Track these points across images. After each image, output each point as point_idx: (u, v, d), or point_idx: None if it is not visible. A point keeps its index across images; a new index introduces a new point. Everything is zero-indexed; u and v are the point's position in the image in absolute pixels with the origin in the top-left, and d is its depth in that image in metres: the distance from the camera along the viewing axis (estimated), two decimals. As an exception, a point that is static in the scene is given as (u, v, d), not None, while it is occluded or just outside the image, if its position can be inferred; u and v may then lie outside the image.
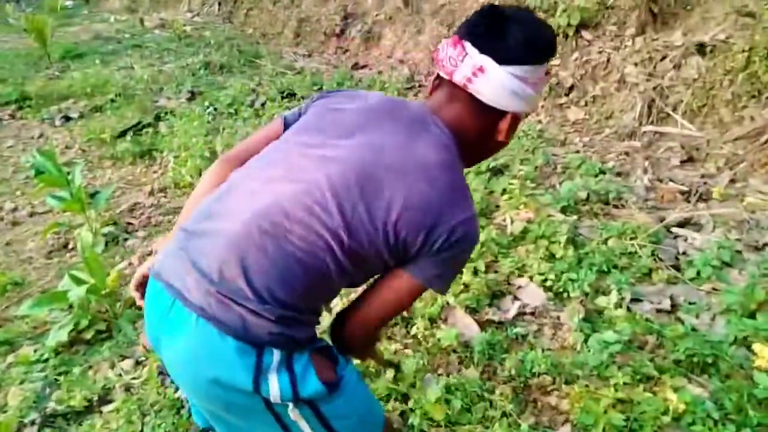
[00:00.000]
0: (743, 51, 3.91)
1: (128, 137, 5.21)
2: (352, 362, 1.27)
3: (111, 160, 4.98)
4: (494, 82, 1.09)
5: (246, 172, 1.15)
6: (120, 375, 2.38)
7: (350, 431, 1.16)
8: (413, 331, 2.46)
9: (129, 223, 3.81)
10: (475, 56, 1.08)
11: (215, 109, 5.80)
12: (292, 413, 1.07)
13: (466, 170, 3.76)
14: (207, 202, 1.13)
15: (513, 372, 2.20)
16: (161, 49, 9.69)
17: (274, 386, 1.02)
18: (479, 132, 1.17)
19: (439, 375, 2.21)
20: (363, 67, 7.70)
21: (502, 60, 1.08)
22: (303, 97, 6.05)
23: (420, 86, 6.49)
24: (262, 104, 5.95)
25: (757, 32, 3.87)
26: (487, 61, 1.08)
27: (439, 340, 2.37)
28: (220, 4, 13.36)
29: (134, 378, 2.35)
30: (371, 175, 1.04)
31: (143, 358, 2.49)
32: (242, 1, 12.40)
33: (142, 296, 1.22)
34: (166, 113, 5.80)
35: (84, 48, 10.18)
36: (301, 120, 1.22)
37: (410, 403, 2.03)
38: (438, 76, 1.20)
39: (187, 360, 1.04)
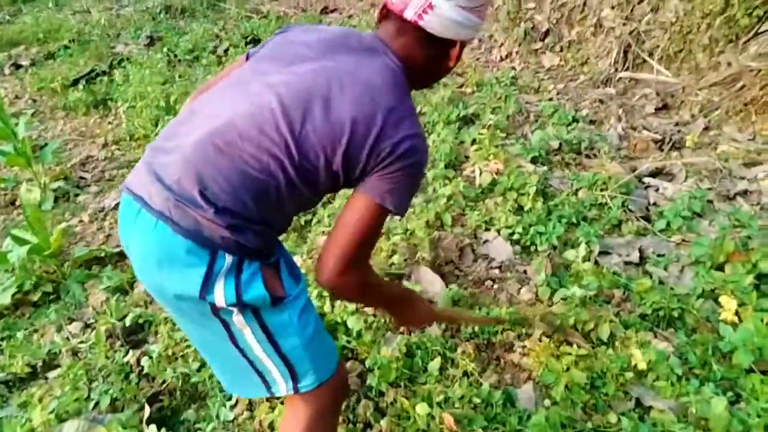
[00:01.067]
0: (723, -7, 3.75)
1: (81, 86, 4.93)
2: (306, 289, 1.28)
3: (63, 110, 4.72)
4: (443, 16, 1.13)
5: (207, 97, 1.21)
6: (67, 339, 2.26)
7: (297, 356, 1.19)
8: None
9: (81, 178, 3.62)
10: None
11: (174, 56, 5.50)
12: (236, 319, 1.12)
13: (435, 120, 3.59)
14: (172, 123, 1.21)
15: (476, 329, 2.14)
16: (120, -8, 9.14)
17: (219, 291, 1.07)
18: (429, 61, 1.23)
19: (401, 333, 2.13)
20: (333, 11, 7.36)
21: None
22: (268, 43, 5.76)
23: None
24: (225, 50, 5.66)
25: (738, -28, 3.71)
26: None
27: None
28: (183, -57, 12.61)
29: (82, 342, 2.23)
30: (320, 96, 1.09)
31: (92, 321, 2.37)
32: (207, -60, 11.71)
33: None
34: (122, 60, 5.50)
35: (37, -10, 9.56)
36: (260, 51, 1.28)
37: (367, 363, 1.96)
38: (385, 6, 1.22)
39: (149, 262, 1.10)
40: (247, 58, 1.30)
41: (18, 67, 5.82)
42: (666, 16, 4.10)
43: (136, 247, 1.13)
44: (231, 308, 1.09)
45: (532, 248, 2.59)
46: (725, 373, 1.84)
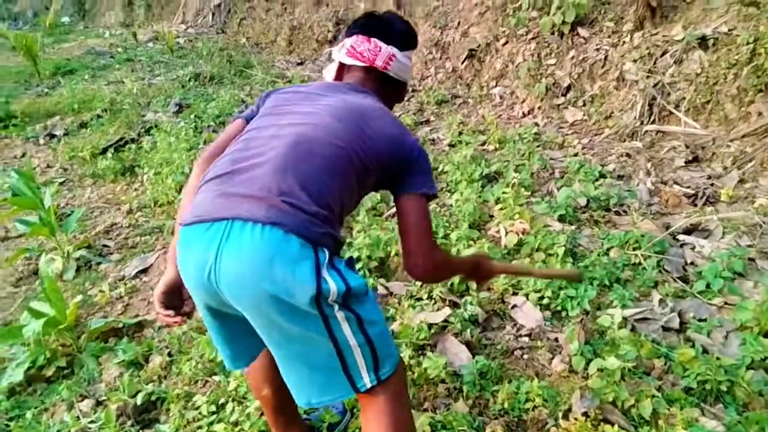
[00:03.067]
0: (747, 43, 3.68)
1: (110, 154, 5.04)
2: None
3: (92, 178, 4.82)
4: (401, 63, 1.61)
5: (252, 132, 1.38)
6: (77, 418, 2.18)
7: (380, 342, 1.28)
8: (397, 359, 2.25)
9: (104, 246, 3.63)
10: (386, 48, 1.58)
11: (201, 122, 5.62)
12: (339, 314, 1.20)
13: (458, 179, 3.55)
14: (226, 158, 1.33)
15: (506, 405, 1.99)
16: (153, 62, 9.58)
17: (331, 281, 1.16)
18: (390, 97, 1.66)
19: (423, 410, 1.99)
20: (355, 73, 7.52)
21: (401, 48, 1.60)
22: (292, 107, 5.87)
23: (413, 91, 6.29)
24: (251, 115, 5.77)
25: (762, 23, 3.65)
26: (395, 50, 1.59)
27: (425, 369, 2.16)
28: (213, 14, 13.27)
29: (92, 422, 2.14)
30: (361, 115, 1.38)
31: (104, 398, 2.29)
32: (235, 11, 12.30)
33: (172, 313, 1.41)
34: (150, 128, 5.64)
35: (75, 64, 10.08)
36: (263, 109, 1.49)
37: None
38: (341, 64, 1.62)
39: (254, 268, 1.14)
40: (247, 121, 1.52)
41: (52, 137, 6.02)
42: (690, 67, 4.04)
43: (236, 262, 1.15)
44: (334, 303, 1.18)
45: (563, 314, 2.45)
46: (786, 456, 1.65)
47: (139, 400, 2.16)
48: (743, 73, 3.72)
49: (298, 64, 8.56)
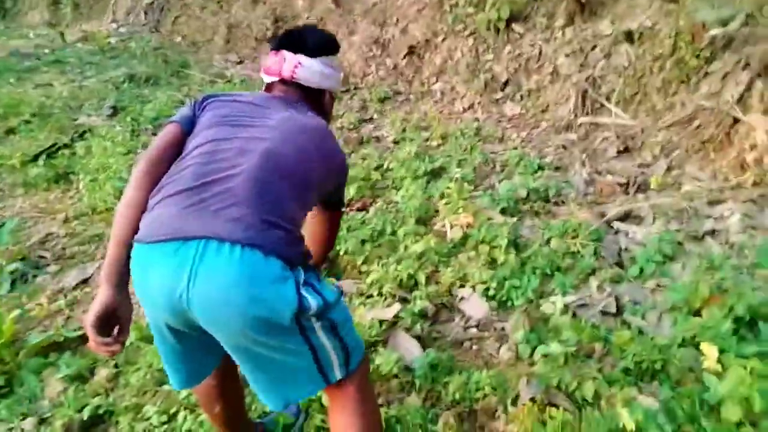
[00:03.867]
0: (669, 37, 3.89)
1: (41, 161, 4.81)
2: None
3: (23, 187, 4.58)
4: (309, 69, 1.60)
5: (213, 143, 1.35)
6: (20, 439, 2.09)
7: (349, 338, 1.37)
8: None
9: (41, 257, 3.47)
10: (292, 57, 1.59)
11: (138, 124, 5.45)
12: (315, 324, 1.26)
13: (402, 175, 3.57)
14: (187, 170, 1.29)
15: (457, 395, 2.05)
16: (83, 64, 9.14)
17: (310, 299, 1.22)
18: (318, 106, 1.66)
19: (380, 405, 2.02)
20: (296, 71, 7.46)
21: (311, 55, 1.60)
22: (233, 107, 5.77)
23: (355, 88, 6.30)
24: (190, 116, 5.63)
25: (681, 18, 3.86)
26: (302, 58, 1.59)
27: (378, 366, 2.19)
28: (146, 13, 12.80)
29: (35, 441, 2.07)
30: (306, 136, 1.44)
31: (48, 414, 2.20)
32: (169, 9, 11.92)
33: (108, 340, 1.28)
34: (84, 132, 5.41)
35: (-3, 66, 9.51)
36: (208, 116, 1.47)
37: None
38: (266, 83, 1.65)
39: (235, 290, 1.14)
40: (182, 124, 1.48)
41: (-24, 144, 5.68)
42: (618, 61, 4.23)
43: (212, 283, 1.14)
44: (312, 316, 1.23)
45: (509, 303, 2.54)
46: (715, 428, 1.77)
47: (85, 414, 2.09)
48: (667, 66, 3.93)
49: (238, 63, 8.40)
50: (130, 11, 13.19)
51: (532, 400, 1.95)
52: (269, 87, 1.64)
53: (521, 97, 4.86)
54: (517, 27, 5.09)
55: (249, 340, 1.22)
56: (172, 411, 2.07)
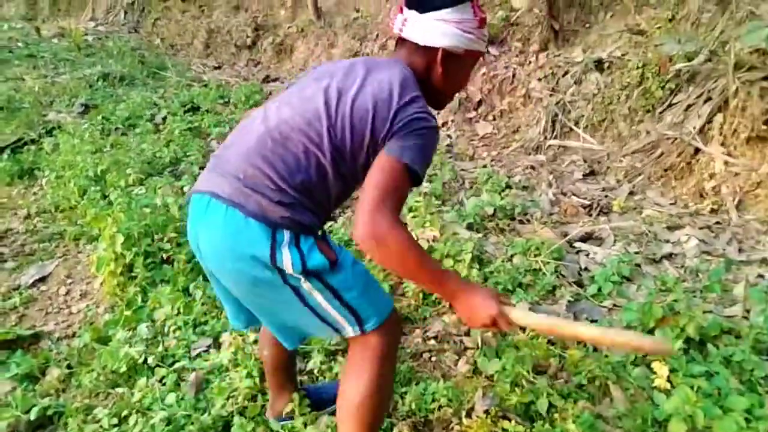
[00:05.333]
0: (637, 67, 4.03)
1: (6, 155, 4.72)
2: (345, 248, 1.48)
3: (-15, 181, 4.48)
4: (418, 26, 1.45)
5: (262, 110, 1.46)
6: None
7: (359, 303, 1.39)
8: (309, 366, 2.27)
9: (-1, 253, 3.39)
10: (405, 12, 1.48)
11: (109, 123, 5.38)
12: (305, 286, 1.33)
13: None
14: (230, 140, 1.46)
15: (413, 406, 2.05)
16: (57, 60, 9.02)
17: (287, 258, 1.28)
18: (424, 68, 1.49)
19: (332, 415, 2.02)
20: (275, 79, 7.47)
21: (422, 10, 1.44)
22: (207, 111, 5.75)
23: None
24: (163, 118, 5.60)
25: (649, 50, 4.00)
26: (411, 14, 1.46)
27: (336, 375, 2.19)
28: (126, 13, 12.71)
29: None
30: (347, 92, 1.36)
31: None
32: (150, 10, 11.85)
33: None
34: (53, 129, 5.33)
35: (-33, 58, 9.30)
36: (297, 81, 1.54)
37: (298, 451, 1.84)
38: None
39: (222, 244, 1.31)
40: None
41: (-60, 136, 5.53)
42: (588, 88, 4.35)
43: (208, 235, 1.34)
44: (298, 276, 1.30)
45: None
46: (661, 443, 1.82)
47: (32, 415, 2.04)
48: (634, 95, 4.06)
49: (216, 68, 8.39)
50: (109, 10, 13.07)
51: (486, 412, 1.96)
52: (396, 44, 1.57)
53: (494, 117, 4.95)
54: (492, 50, 5.20)
55: (247, 291, 1.38)
56: (124, 414, 2.03)
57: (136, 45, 9.80)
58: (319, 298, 1.36)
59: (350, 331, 1.43)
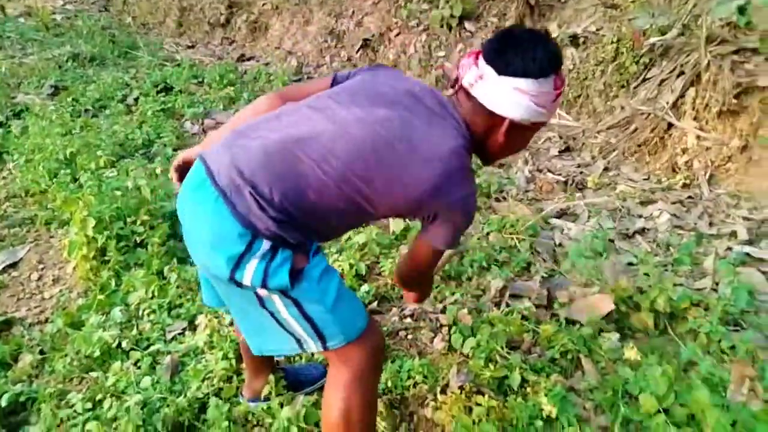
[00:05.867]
0: (612, 42, 4.03)
1: (-28, 139, 4.59)
2: (324, 257, 1.42)
3: (-48, 166, 4.36)
4: (490, 88, 1.28)
5: (296, 107, 1.37)
6: (-67, 426, 2.00)
7: (322, 318, 1.33)
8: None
9: (-33, 240, 3.31)
10: (481, 66, 1.28)
11: (80, 105, 5.25)
12: (273, 297, 1.29)
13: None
14: (260, 119, 1.37)
15: (389, 383, 2.07)
16: (24, 40, 8.73)
17: (249, 272, 1.24)
18: (484, 130, 1.36)
19: (309, 395, 2.03)
20: (250, 58, 7.34)
21: (500, 71, 1.26)
22: (181, 91, 5.64)
23: (309, 78, 6.26)
24: (135, 99, 5.48)
25: (623, 24, 4.01)
26: (488, 71, 1.27)
27: (312, 355, 2.20)
28: (95, -10, 12.33)
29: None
30: (397, 148, 1.25)
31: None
32: (120, -13, 11.50)
33: (179, 178, 1.50)
34: (22, 111, 5.19)
35: (-71, 38, 8.97)
36: (347, 82, 1.45)
37: (273, 429, 1.84)
38: (456, 77, 1.37)
39: (200, 229, 1.28)
40: (334, 81, 1.50)
41: None
42: (564, 63, 4.34)
43: (191, 214, 1.31)
44: (262, 289, 1.26)
45: (446, 294, 2.58)
46: (632, 414, 1.86)
47: (4, 401, 2.02)
48: (608, 70, 4.08)
49: (189, 47, 8.21)
50: (78, -12, 12.66)
51: (461, 388, 1.99)
52: (454, 86, 1.39)
53: (471, 94, 4.93)
54: (469, 25, 5.16)
55: (213, 280, 1.37)
56: (98, 398, 2.02)
57: (107, 24, 9.52)
58: (278, 304, 1.31)
59: (312, 346, 1.37)
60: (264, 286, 1.25)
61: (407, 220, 2.83)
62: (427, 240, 1.37)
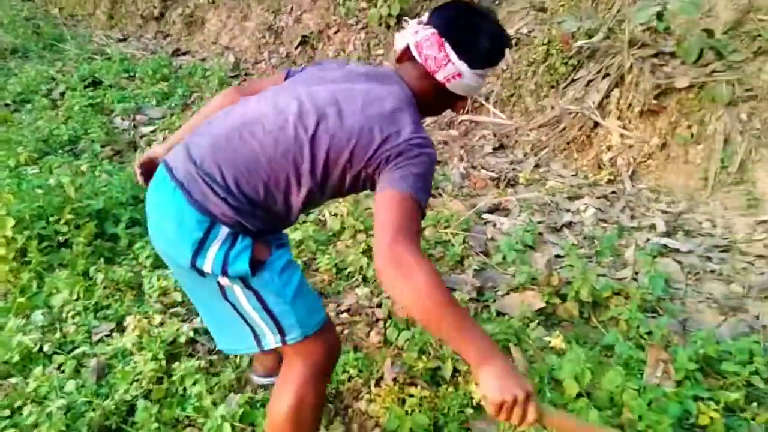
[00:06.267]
0: (543, 44, 4.18)
1: None
2: (288, 250, 1.49)
3: None
4: (466, 81, 1.39)
5: (245, 99, 1.43)
6: None
7: (281, 311, 1.34)
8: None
9: None
10: (456, 62, 1.35)
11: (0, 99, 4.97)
12: (234, 287, 1.31)
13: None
14: (216, 114, 1.43)
15: (325, 378, 2.08)
16: (-63, 29, 8.17)
17: (209, 260, 1.26)
18: (440, 106, 1.50)
19: (242, 393, 2.01)
20: (185, 53, 7.15)
21: (473, 65, 1.36)
22: (111, 86, 5.43)
23: (246, 75, 6.16)
24: (62, 93, 5.24)
25: (553, 27, 4.16)
26: (463, 68, 1.36)
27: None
28: (18, -21, 11.66)
29: None
30: (334, 107, 1.29)
31: None
32: (45, -23, 10.94)
33: (145, 179, 1.56)
34: (-67, 105, 4.86)
35: None
36: (296, 76, 1.50)
37: (206, 429, 1.82)
38: (406, 52, 1.42)
39: (161, 222, 1.32)
40: (287, 76, 1.54)
41: None
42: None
43: (153, 208, 1.35)
44: (223, 277, 1.28)
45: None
46: (557, 398, 1.94)
47: None
48: (540, 71, 4.22)
49: (120, 40, 7.90)
50: (-2, -24, 11.95)
51: (395, 380, 2.02)
52: (409, 57, 1.41)
53: (409, 92, 4.99)
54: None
55: (175, 272, 1.41)
56: (17, 404, 1.93)
57: (31, 14, 9.02)
58: (239, 293, 1.32)
59: (272, 340, 1.37)
60: (224, 273, 1.27)
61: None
62: (386, 189, 1.20)
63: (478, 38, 1.35)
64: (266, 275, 1.32)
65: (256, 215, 1.29)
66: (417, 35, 1.38)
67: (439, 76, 1.37)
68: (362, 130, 1.25)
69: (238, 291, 1.32)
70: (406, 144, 1.24)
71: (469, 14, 1.39)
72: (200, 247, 1.26)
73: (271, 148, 1.26)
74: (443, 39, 1.34)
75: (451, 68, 1.35)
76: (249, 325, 1.37)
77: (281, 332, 1.36)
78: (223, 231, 1.27)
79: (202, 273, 1.28)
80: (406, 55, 1.42)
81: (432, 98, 1.43)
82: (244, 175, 1.26)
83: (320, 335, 1.42)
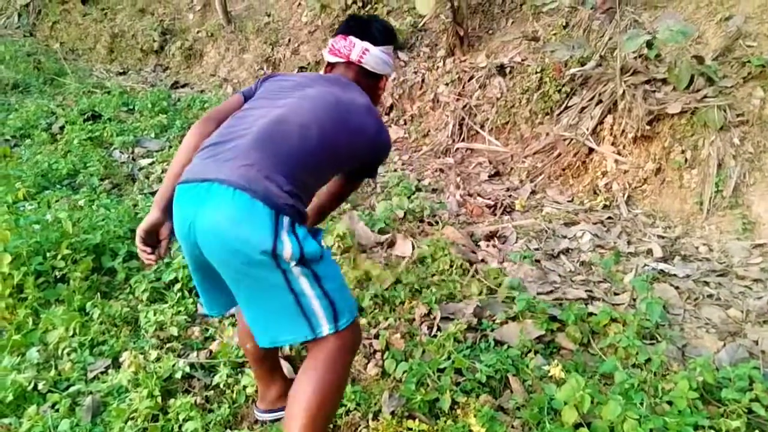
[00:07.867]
0: (536, 72, 4.23)
1: None
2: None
3: None
4: (375, 56, 1.84)
5: (246, 111, 1.61)
6: None
7: (338, 296, 1.47)
8: (216, 380, 2.22)
9: None
10: (359, 43, 1.83)
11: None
12: (295, 270, 1.39)
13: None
14: (219, 130, 1.57)
15: (322, 412, 2.05)
16: (-60, 66, 8.29)
17: (287, 246, 1.35)
18: (369, 89, 1.85)
19: (239, 429, 1.99)
20: (184, 86, 7.24)
21: (376, 43, 1.84)
22: (110, 119, 5.48)
23: (244, 106, 6.22)
24: (61, 127, 5.28)
25: (546, 56, 4.22)
26: (368, 45, 1.83)
27: (244, 387, 2.16)
28: (20, 15, 11.88)
29: None
30: (334, 109, 1.60)
31: None
32: (47, 13, 11.14)
33: (150, 252, 1.61)
34: (-66, 141, 4.90)
35: None
36: (259, 92, 1.73)
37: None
38: (328, 62, 1.90)
39: (225, 224, 1.36)
40: (244, 97, 1.74)
41: None
42: (492, 92, 4.53)
43: (212, 216, 1.37)
44: (290, 261, 1.36)
45: (380, 320, 2.60)
46: (557, 429, 1.91)
47: None
48: (534, 98, 4.27)
49: (120, 73, 8.01)
50: (1, 12, 12.18)
51: (393, 413, 2.00)
52: (332, 66, 1.88)
53: (405, 121, 5.04)
54: (402, 55, 5.29)
55: (237, 271, 1.43)
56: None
57: (32, 50, 9.16)
58: (304, 283, 1.40)
59: (326, 327, 1.44)
60: (301, 256, 1.36)
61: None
62: (359, 179, 1.93)
63: (369, 25, 1.86)
64: (325, 263, 1.46)
65: (304, 199, 1.50)
66: (327, 48, 1.88)
67: (353, 56, 1.82)
68: (363, 129, 1.69)
69: (303, 280, 1.40)
70: (376, 143, 1.77)
71: (359, 17, 1.92)
72: (276, 236, 1.34)
73: (311, 141, 1.51)
74: (345, 34, 1.84)
75: (358, 46, 1.81)
76: (305, 314, 1.44)
77: (335, 317, 1.45)
78: (286, 220, 1.38)
79: (277, 263, 1.35)
80: (329, 69, 1.90)
81: (366, 84, 1.83)
82: (295, 166, 1.46)
83: (357, 320, 1.55)
